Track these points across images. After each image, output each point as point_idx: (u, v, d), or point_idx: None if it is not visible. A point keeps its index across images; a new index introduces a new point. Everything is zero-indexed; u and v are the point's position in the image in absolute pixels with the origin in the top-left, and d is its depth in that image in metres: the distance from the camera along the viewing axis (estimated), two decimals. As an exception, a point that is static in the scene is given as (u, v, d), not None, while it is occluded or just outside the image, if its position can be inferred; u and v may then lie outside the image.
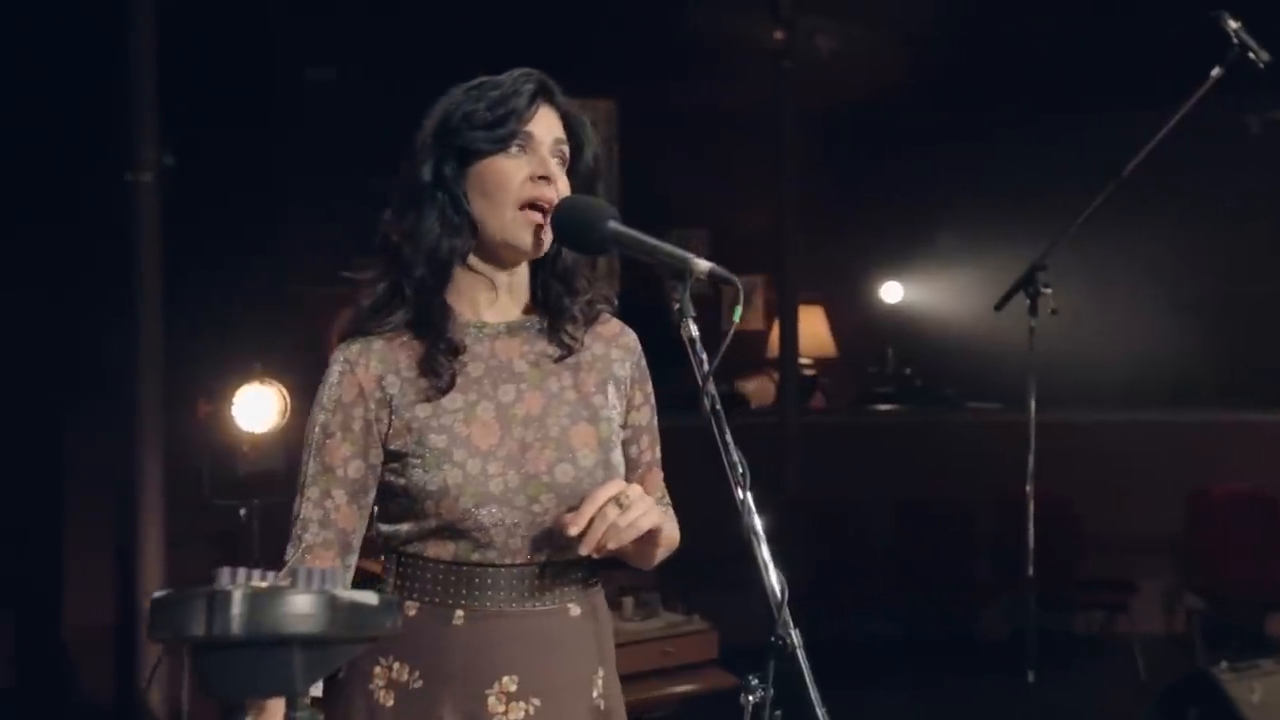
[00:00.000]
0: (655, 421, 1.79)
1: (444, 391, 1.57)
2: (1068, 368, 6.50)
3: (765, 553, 1.46)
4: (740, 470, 1.48)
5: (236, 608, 0.98)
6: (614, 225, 1.55)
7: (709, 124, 6.76)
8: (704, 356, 1.51)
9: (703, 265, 1.49)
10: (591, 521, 1.49)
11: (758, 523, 1.47)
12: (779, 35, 5.35)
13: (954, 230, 7.42)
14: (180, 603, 1.00)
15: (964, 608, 5.74)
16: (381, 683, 1.58)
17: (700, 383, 1.51)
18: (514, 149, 1.58)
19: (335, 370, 1.60)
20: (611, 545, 1.51)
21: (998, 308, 3.21)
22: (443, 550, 1.57)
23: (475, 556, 1.56)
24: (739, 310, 1.48)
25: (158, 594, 1.01)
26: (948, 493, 5.64)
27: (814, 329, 7.38)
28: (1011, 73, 6.12)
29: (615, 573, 3.74)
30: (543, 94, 1.61)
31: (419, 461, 1.55)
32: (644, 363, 1.76)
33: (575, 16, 5.21)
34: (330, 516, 1.58)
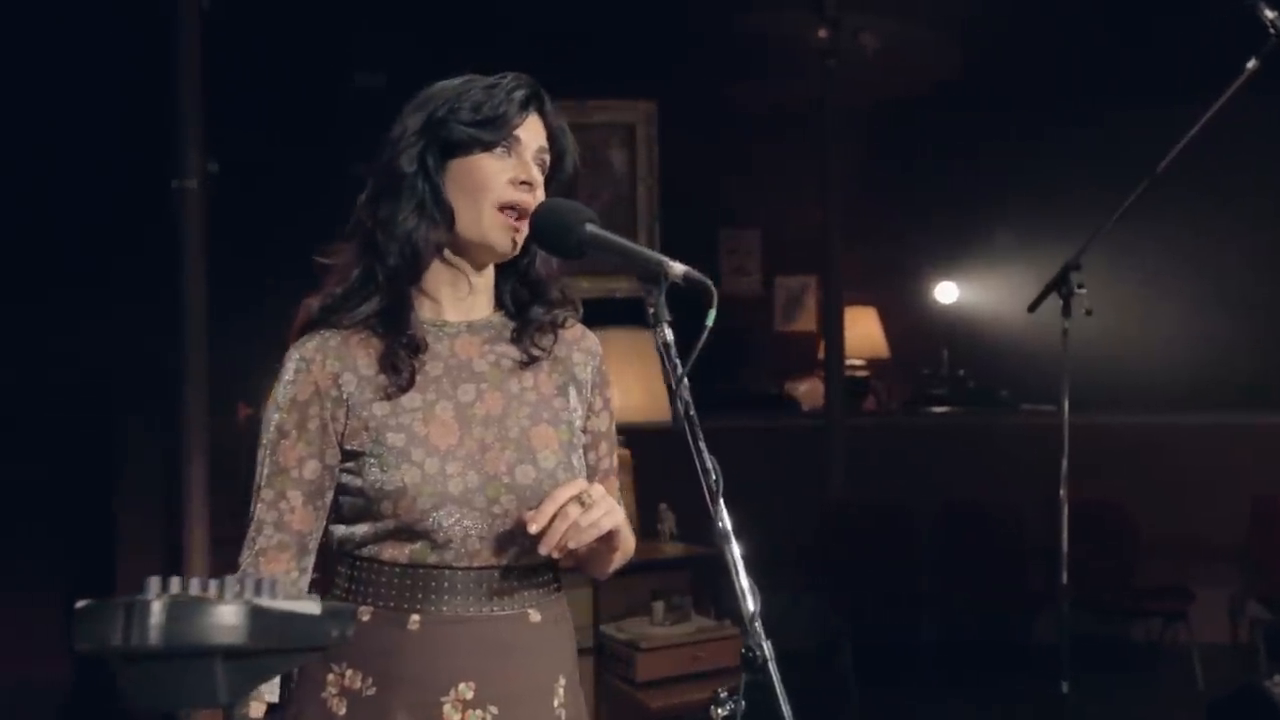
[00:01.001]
0: (614, 428, 1.76)
1: (403, 390, 1.55)
2: (1126, 369, 6.41)
3: (739, 562, 1.42)
4: (714, 478, 1.44)
5: (155, 618, 0.97)
6: (591, 228, 1.54)
7: (756, 124, 6.72)
8: (678, 362, 1.47)
9: (677, 268, 1.46)
10: (553, 520, 1.47)
11: (730, 532, 1.44)
12: (823, 34, 5.29)
13: (1010, 228, 7.29)
14: (101, 612, 0.99)
15: (1015, 613, 5.62)
16: (334, 690, 1.55)
17: (674, 387, 1.47)
18: (500, 150, 1.57)
19: (290, 368, 1.57)
20: (572, 544, 1.49)
21: (1031, 309, 3.13)
22: (399, 553, 1.54)
23: (433, 558, 1.53)
24: (712, 314, 1.44)
25: (80, 603, 1.00)
26: (999, 496, 5.54)
27: (866, 330, 7.30)
28: (1063, 66, 6.00)
29: (649, 576, 3.76)
30: (534, 101, 1.61)
31: (376, 461, 1.52)
32: (605, 367, 1.74)
33: (616, 18, 5.19)
34: (285, 518, 1.56)
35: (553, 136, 1.63)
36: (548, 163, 1.62)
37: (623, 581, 3.75)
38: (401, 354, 1.55)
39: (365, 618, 1.54)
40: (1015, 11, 5.47)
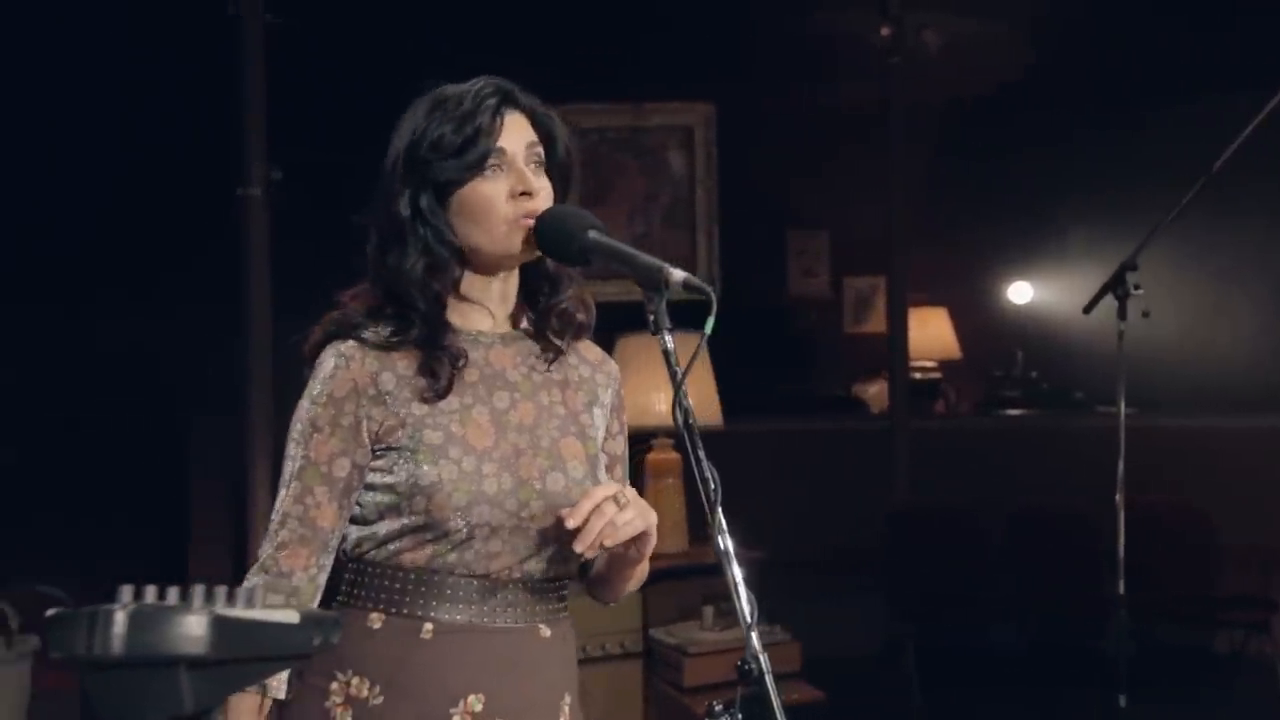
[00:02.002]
0: (627, 453, 1.77)
1: (441, 395, 1.56)
2: (1204, 371, 6.22)
3: (736, 573, 1.41)
4: (712, 486, 1.43)
5: (118, 627, 0.98)
6: (594, 235, 1.54)
7: (824, 125, 6.65)
8: (679, 369, 1.46)
9: (677, 275, 1.45)
10: (588, 518, 1.47)
11: (730, 542, 1.43)
12: (886, 32, 5.22)
13: (1085, 226, 7.12)
14: (69, 621, 1.00)
15: (1085, 620, 5.49)
16: (339, 699, 1.54)
17: (674, 394, 1.46)
18: (489, 170, 1.56)
19: (330, 364, 1.57)
20: (608, 543, 1.49)
21: (1086, 310, 3.08)
22: (418, 554, 1.54)
23: (453, 558, 1.53)
24: (711, 321, 1.42)
25: (50, 612, 1.02)
26: (1071, 501, 5.41)
27: (937, 331, 7.19)
28: (1134, 58, 5.85)
29: (700, 580, 3.74)
30: (506, 103, 1.59)
31: (412, 456, 1.53)
32: (622, 392, 1.76)
33: (673, 19, 5.19)
34: (310, 514, 1.55)
35: (538, 125, 1.61)
36: (542, 154, 1.61)
37: (673, 586, 3.75)
38: (443, 361, 1.56)
39: (376, 625, 1.54)
40: (1082, 5, 5.35)
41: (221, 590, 1.07)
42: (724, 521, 1.43)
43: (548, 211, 1.57)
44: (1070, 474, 5.40)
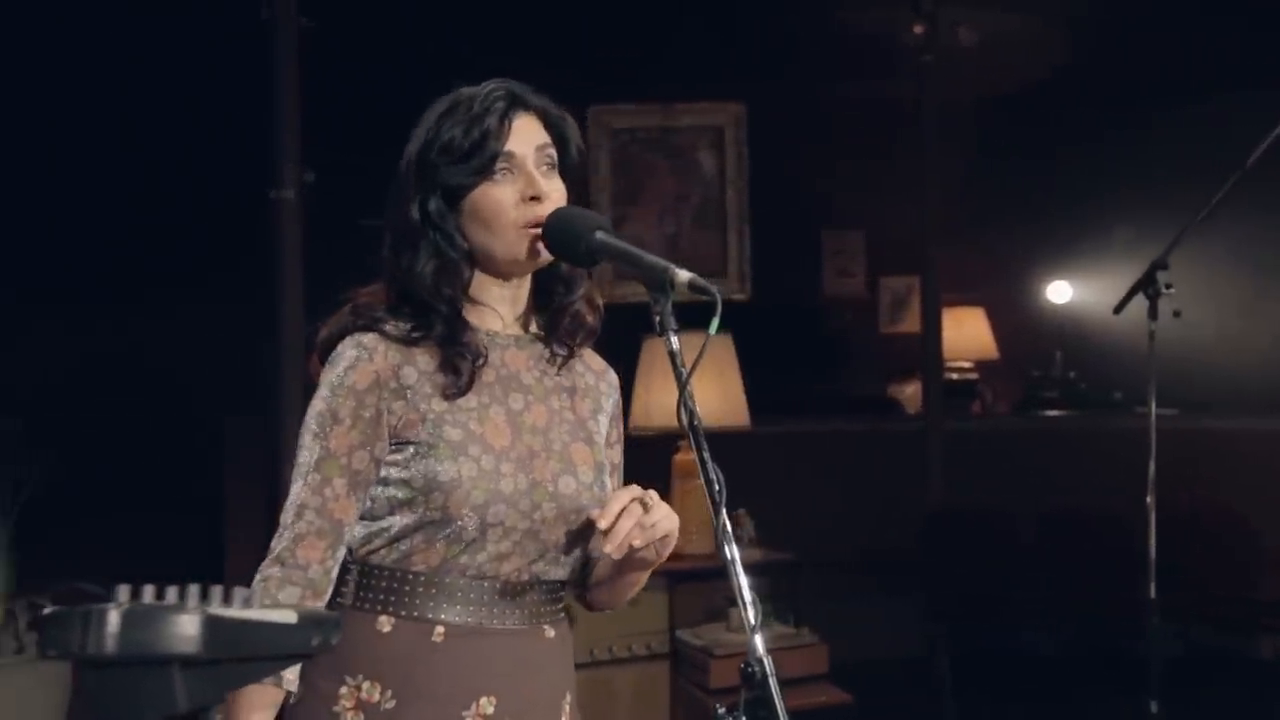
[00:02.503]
0: (622, 462, 1.77)
1: (463, 391, 1.56)
2: (1247, 372, 6.11)
3: (741, 577, 1.40)
4: (717, 488, 1.42)
5: (111, 626, 0.99)
6: (601, 236, 1.53)
7: (858, 124, 6.61)
8: (684, 370, 1.45)
9: (683, 275, 1.45)
10: (618, 518, 1.48)
11: (734, 546, 1.43)
12: (919, 30, 5.19)
13: (1128, 224, 7.02)
14: (64, 620, 1.01)
15: (1123, 624, 5.42)
16: (349, 704, 1.53)
17: (680, 396, 1.45)
18: (499, 174, 1.56)
19: (350, 355, 1.55)
20: (637, 543, 1.49)
21: (1117, 311, 3.04)
22: (430, 556, 1.53)
23: (464, 559, 1.53)
24: (715, 322, 1.42)
25: (47, 610, 1.03)
26: (1107, 502, 5.34)
27: (974, 331, 7.13)
28: (1175, 51, 5.76)
29: (727, 582, 3.72)
30: (515, 106, 1.58)
31: (432, 452, 1.52)
32: (621, 402, 1.77)
33: (705, 20, 5.18)
34: (328, 505, 1.53)
35: (550, 127, 1.61)
36: (555, 156, 1.61)
37: (700, 587, 3.75)
38: (465, 358, 1.56)
39: (386, 629, 1.54)
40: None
41: (217, 590, 1.08)
42: (729, 524, 1.42)
43: (555, 213, 1.56)
44: (1107, 475, 5.32)
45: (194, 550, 5.01)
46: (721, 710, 1.38)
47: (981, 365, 7.19)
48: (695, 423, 1.45)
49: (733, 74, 5.46)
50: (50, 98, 4.37)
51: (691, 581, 3.54)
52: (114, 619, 0.99)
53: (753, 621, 1.38)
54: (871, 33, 5.66)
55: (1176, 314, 2.89)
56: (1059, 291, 7.45)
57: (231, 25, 4.48)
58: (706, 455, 1.43)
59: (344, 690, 1.53)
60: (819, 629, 3.67)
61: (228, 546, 5.04)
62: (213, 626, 1.03)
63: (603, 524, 1.48)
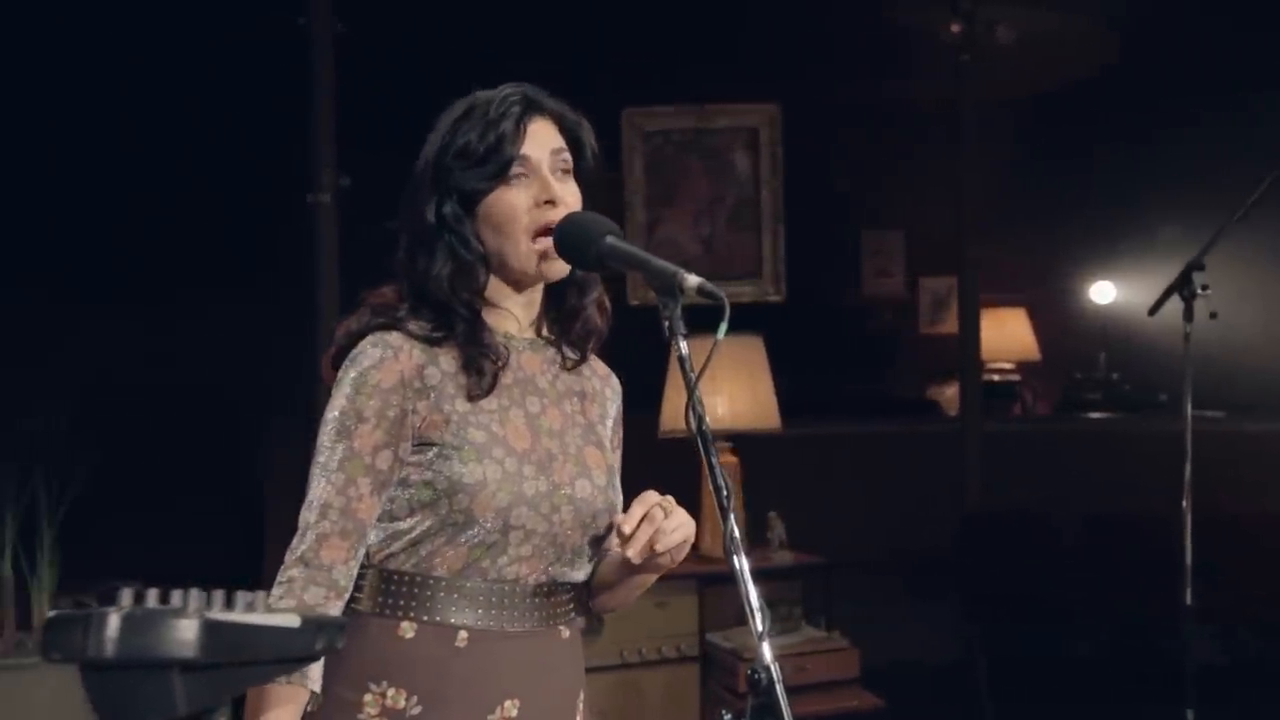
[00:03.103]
0: (619, 467, 1.77)
1: (486, 392, 1.56)
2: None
3: (749, 584, 1.40)
4: (725, 494, 1.42)
5: (111, 630, 1.01)
6: (611, 241, 1.54)
7: (898, 124, 6.57)
8: (694, 376, 1.45)
9: (692, 280, 1.45)
10: (639, 524, 1.49)
11: (742, 555, 1.43)
12: (956, 28, 5.14)
13: (1175, 224, 6.91)
14: (66, 623, 1.03)
15: (1165, 629, 5.34)
16: (374, 710, 1.53)
17: (688, 400, 1.45)
18: (514, 179, 1.56)
19: (375, 354, 1.54)
20: (658, 548, 1.50)
21: (1152, 312, 3.00)
22: (452, 560, 1.53)
23: (485, 563, 1.53)
24: (724, 327, 1.41)
25: (51, 613, 1.05)
26: (1148, 505, 5.26)
27: (1016, 332, 7.06)
28: (1222, 47, 5.66)
29: (757, 585, 3.71)
30: (530, 110, 1.59)
31: (457, 453, 1.52)
32: (622, 407, 1.78)
33: (741, 20, 5.16)
34: (352, 505, 1.51)
35: (566, 131, 1.62)
36: (570, 160, 1.61)
37: (731, 590, 3.72)
38: (488, 359, 1.57)
39: (409, 634, 1.53)
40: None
41: (219, 594, 1.09)
42: (736, 530, 1.41)
43: (566, 218, 1.57)
44: (1148, 477, 5.25)
45: (235, 549, 5.07)
46: (728, 716, 1.38)
47: (1023, 366, 7.11)
48: (704, 428, 1.44)
49: (770, 75, 5.44)
50: (88, 106, 4.44)
51: (722, 584, 3.53)
52: (114, 623, 1.01)
53: (760, 628, 1.38)
54: (910, 32, 5.61)
55: (1213, 315, 2.85)
56: (1103, 292, 7.35)
57: (269, 32, 4.54)
58: (715, 461, 1.43)
59: (369, 698, 1.53)
60: (851, 633, 3.65)
61: (266, 546, 5.10)
62: (211, 631, 1.04)
63: (626, 528, 1.49)
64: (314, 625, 1.17)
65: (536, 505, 1.54)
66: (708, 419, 1.46)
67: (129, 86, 4.45)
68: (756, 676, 1.35)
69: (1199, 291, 2.85)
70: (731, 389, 3.60)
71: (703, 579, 3.63)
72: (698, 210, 4.97)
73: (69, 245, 4.68)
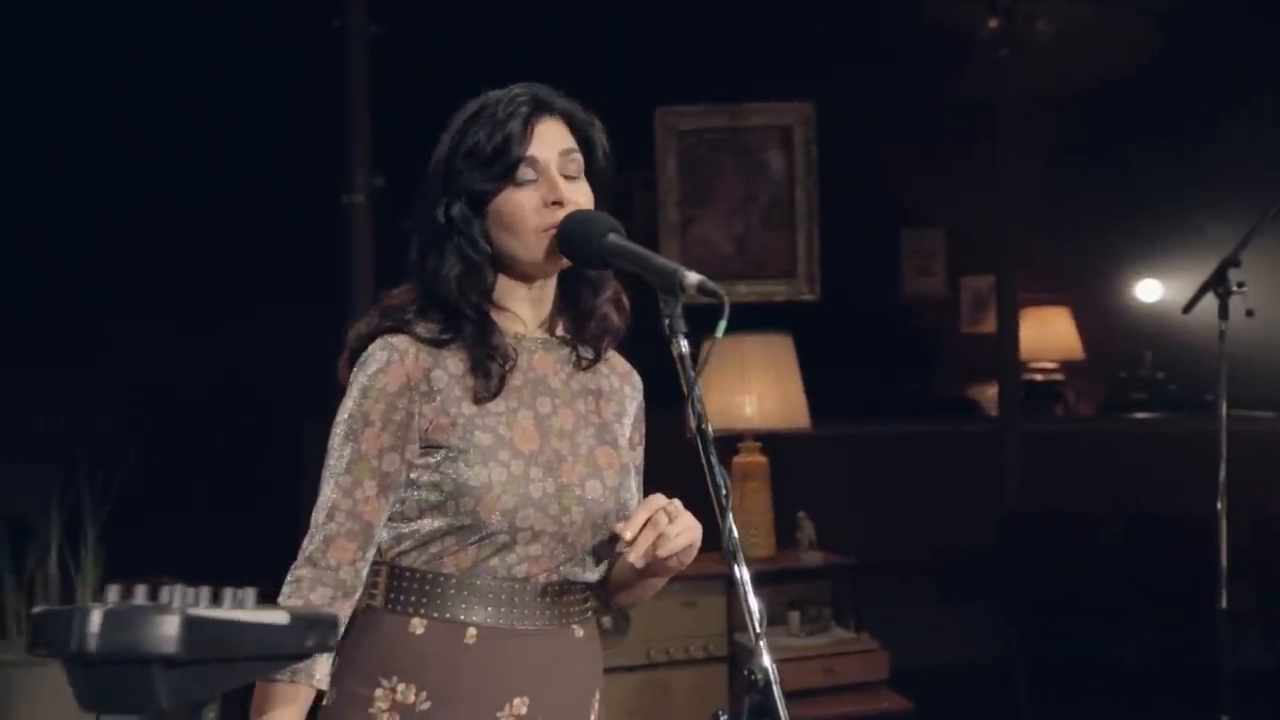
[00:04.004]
0: (643, 464, 1.76)
1: (493, 395, 1.57)
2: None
3: (747, 586, 1.39)
4: (724, 492, 1.41)
5: (93, 626, 1.02)
6: (612, 238, 1.54)
7: (938, 121, 6.50)
8: (694, 375, 1.44)
9: (692, 278, 1.44)
10: (642, 529, 1.49)
11: (741, 557, 1.42)
12: (994, 24, 5.08)
13: (1225, 222, 6.78)
14: (51, 619, 1.04)
15: (1208, 632, 5.24)
16: (384, 705, 1.54)
17: (686, 400, 1.44)
18: (521, 179, 1.57)
19: (381, 357, 1.55)
20: (661, 553, 1.50)
21: (1186, 310, 2.95)
22: (461, 558, 1.54)
23: (494, 561, 1.54)
24: (722, 325, 1.40)
25: (36, 609, 1.06)
26: (1192, 507, 5.17)
27: (1059, 331, 6.96)
28: (1272, 44, 5.55)
29: (787, 585, 3.69)
30: (538, 110, 1.59)
31: (462, 456, 1.53)
32: (644, 404, 1.77)
33: (773, 16, 5.13)
34: (358, 507, 1.54)
35: (576, 131, 1.61)
36: (581, 160, 1.61)
37: (760, 590, 3.70)
38: (495, 362, 1.57)
39: (419, 630, 1.55)
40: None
41: (205, 591, 1.10)
42: (734, 529, 1.40)
43: (570, 216, 1.57)
44: (1191, 478, 5.16)
45: (277, 547, 5.12)
46: (723, 716, 1.37)
47: (1066, 366, 7.01)
48: (703, 426, 1.44)
49: (807, 73, 5.41)
50: (131, 108, 4.51)
51: (753, 584, 3.51)
52: (96, 619, 1.02)
53: (758, 629, 1.37)
54: (948, 27, 5.56)
55: (1249, 313, 2.79)
56: (1149, 290, 7.23)
57: (304, 34, 4.58)
58: (714, 459, 1.42)
59: (379, 692, 1.54)
60: (882, 634, 3.61)
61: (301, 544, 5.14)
62: (193, 627, 1.05)
63: (628, 534, 1.48)
64: (304, 622, 1.17)
65: (544, 507, 1.54)
66: (708, 419, 1.45)
67: (167, 88, 4.52)
68: (754, 677, 1.34)
69: (1234, 288, 2.79)
70: (760, 388, 3.58)
71: (731, 580, 3.60)
72: (731, 209, 4.95)
73: (110, 249, 4.75)
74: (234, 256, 4.83)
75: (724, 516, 1.40)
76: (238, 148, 4.70)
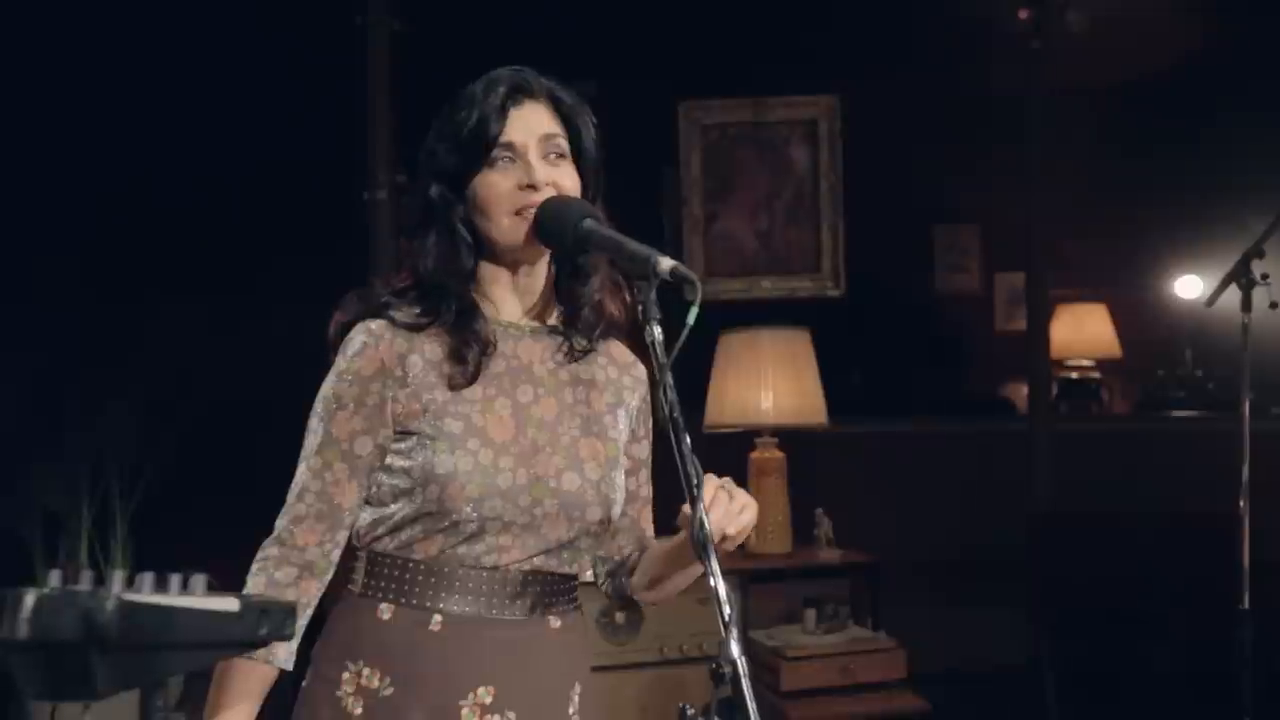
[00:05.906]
0: (650, 458, 1.74)
1: (468, 381, 1.56)
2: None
3: (718, 577, 1.36)
4: (696, 482, 1.38)
5: (25, 611, 1.01)
6: (587, 224, 1.52)
7: (970, 114, 6.41)
8: (665, 361, 1.41)
9: (665, 264, 1.42)
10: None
11: (710, 538, 1.38)
12: (1024, 15, 5.00)
13: (1270, 214, 6.63)
14: (-15, 605, 1.03)
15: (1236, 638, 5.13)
16: (350, 689, 1.55)
17: (660, 386, 1.41)
18: (500, 162, 1.56)
19: (357, 341, 1.57)
20: (730, 531, 1.43)
21: (1209, 303, 2.87)
22: (429, 545, 1.54)
23: (462, 550, 1.53)
24: (694, 310, 1.37)
25: (-23, 595, 1.05)
26: (1228, 508, 5.07)
27: (1095, 328, 6.84)
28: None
29: (803, 583, 3.65)
30: (517, 94, 1.58)
31: (431, 444, 1.53)
32: (650, 396, 1.73)
33: (800, 9, 5.08)
34: (328, 489, 1.56)
35: (561, 114, 1.60)
36: (564, 144, 1.60)
37: (776, 587, 3.68)
38: (472, 348, 1.56)
39: (386, 616, 1.55)
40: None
41: (148, 576, 1.08)
42: (706, 519, 1.37)
43: (545, 202, 1.56)
44: (1225, 478, 5.05)
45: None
46: (690, 710, 1.34)
47: (1103, 364, 6.89)
48: (675, 414, 1.41)
49: (834, 66, 5.35)
50: (154, 105, 4.54)
51: (766, 582, 3.48)
52: (28, 603, 1.01)
53: (726, 619, 1.34)
54: (978, 18, 5.48)
55: (1274, 305, 2.71)
56: (1189, 287, 7.09)
57: (327, 30, 4.59)
58: (686, 449, 1.39)
59: (346, 675, 1.55)
60: (902, 633, 3.56)
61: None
62: (127, 612, 1.03)
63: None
64: (256, 609, 1.16)
65: (513, 497, 1.53)
66: (679, 406, 1.42)
67: (189, 85, 4.54)
68: (721, 671, 1.31)
69: (1258, 280, 2.72)
70: (776, 383, 3.54)
71: (747, 576, 3.58)
72: (755, 203, 4.90)
73: (138, 245, 4.79)
74: (260, 253, 4.86)
75: (695, 506, 1.37)
76: (260, 144, 4.73)
